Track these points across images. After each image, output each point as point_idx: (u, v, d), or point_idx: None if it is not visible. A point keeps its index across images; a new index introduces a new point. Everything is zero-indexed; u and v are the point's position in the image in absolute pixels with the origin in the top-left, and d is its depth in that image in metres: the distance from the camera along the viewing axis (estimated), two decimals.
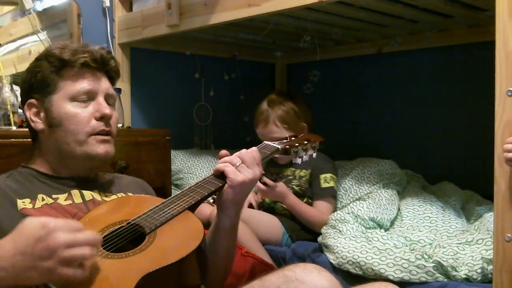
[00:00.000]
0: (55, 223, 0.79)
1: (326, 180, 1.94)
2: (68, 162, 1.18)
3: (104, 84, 1.20)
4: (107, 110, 1.17)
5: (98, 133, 1.17)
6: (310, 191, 1.97)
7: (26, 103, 1.19)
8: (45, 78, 1.16)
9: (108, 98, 1.21)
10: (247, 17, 1.75)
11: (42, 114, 1.17)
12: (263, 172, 1.96)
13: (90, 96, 1.17)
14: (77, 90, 1.16)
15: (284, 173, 2.05)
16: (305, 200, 1.95)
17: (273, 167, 2.09)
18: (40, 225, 0.78)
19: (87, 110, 1.16)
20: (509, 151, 1.15)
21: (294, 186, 1.98)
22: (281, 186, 1.88)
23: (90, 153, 1.16)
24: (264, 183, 1.84)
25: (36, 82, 1.17)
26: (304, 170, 1.99)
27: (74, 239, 0.79)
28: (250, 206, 2.01)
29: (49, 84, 1.16)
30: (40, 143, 1.20)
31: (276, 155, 1.99)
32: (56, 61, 1.16)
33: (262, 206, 2.04)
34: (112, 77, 1.24)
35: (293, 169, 2.02)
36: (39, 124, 1.18)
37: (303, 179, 1.99)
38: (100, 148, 1.17)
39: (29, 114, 1.19)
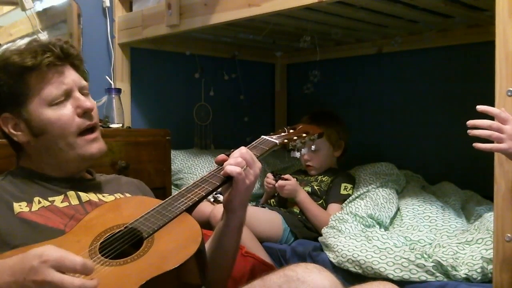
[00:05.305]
0: (53, 256, 0.76)
1: (346, 188, 1.99)
2: (63, 165, 1.16)
3: (73, 77, 1.15)
4: (87, 103, 1.14)
5: (84, 132, 1.14)
6: (327, 195, 2.00)
7: (0, 118, 1.14)
8: (12, 90, 1.11)
9: (82, 90, 1.16)
10: (247, 17, 1.76)
11: (22, 126, 1.13)
12: (274, 171, 1.99)
13: (66, 95, 1.13)
14: (55, 94, 1.11)
15: (305, 177, 2.11)
16: (320, 202, 1.98)
17: (299, 175, 2.14)
18: (37, 255, 0.76)
19: (67, 109, 1.12)
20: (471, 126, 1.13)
21: (314, 185, 2.02)
22: (290, 184, 1.92)
23: (84, 154, 1.15)
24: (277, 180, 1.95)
25: (4, 95, 1.12)
26: (326, 176, 2.06)
27: (63, 281, 0.75)
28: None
29: (19, 95, 1.11)
30: (28, 153, 1.16)
31: (309, 164, 2.02)
32: (18, 69, 1.10)
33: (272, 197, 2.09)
34: (77, 65, 1.18)
35: (316, 175, 2.09)
36: (21, 136, 1.13)
37: (324, 182, 2.04)
38: (93, 147, 1.16)
39: (7, 128, 1.13)
